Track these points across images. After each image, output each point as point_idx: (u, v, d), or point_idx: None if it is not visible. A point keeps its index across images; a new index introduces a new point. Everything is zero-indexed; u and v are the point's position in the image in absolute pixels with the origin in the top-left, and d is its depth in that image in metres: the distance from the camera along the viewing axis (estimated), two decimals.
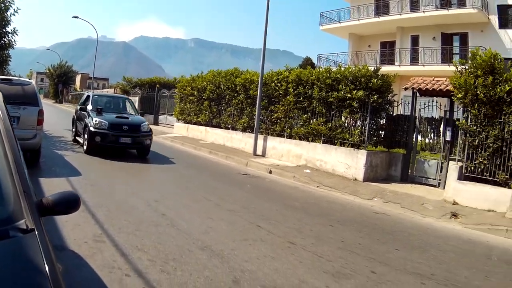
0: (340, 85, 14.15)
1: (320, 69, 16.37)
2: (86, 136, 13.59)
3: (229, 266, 5.21)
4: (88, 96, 16.05)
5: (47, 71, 75.56)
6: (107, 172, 11.08)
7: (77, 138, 15.64)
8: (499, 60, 10.76)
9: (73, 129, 16.51)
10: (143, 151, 14.30)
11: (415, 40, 29.65)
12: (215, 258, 5.42)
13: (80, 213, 5.72)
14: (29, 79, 17.95)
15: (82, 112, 14.94)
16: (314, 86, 15.05)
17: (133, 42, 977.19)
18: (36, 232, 2.01)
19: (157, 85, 32.89)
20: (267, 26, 17.81)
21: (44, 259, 1.86)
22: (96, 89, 62.09)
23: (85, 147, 13.61)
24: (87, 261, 4.79)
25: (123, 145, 13.74)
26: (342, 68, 15.03)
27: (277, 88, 16.69)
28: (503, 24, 25.98)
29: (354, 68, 14.36)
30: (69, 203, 2.36)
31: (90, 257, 4.94)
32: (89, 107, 14.64)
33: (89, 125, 13.41)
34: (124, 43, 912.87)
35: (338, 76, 14.36)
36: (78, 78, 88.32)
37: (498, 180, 10.34)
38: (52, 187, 8.08)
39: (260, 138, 17.25)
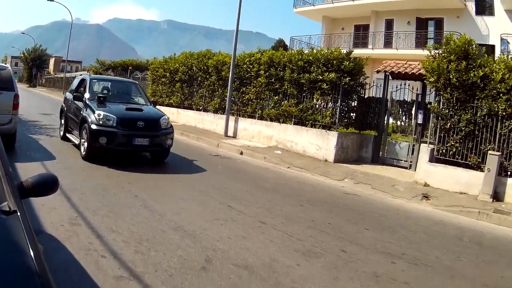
0: (312, 67, 14.08)
1: (293, 51, 16.38)
2: (85, 135, 9.98)
3: (201, 245, 5.23)
4: (83, 80, 12.42)
5: (22, 56, 75.38)
6: (80, 155, 10.71)
7: (67, 135, 11.94)
8: (473, 46, 10.83)
9: (62, 122, 12.81)
10: (162, 155, 10.94)
11: (389, 24, 29.64)
12: (188, 238, 5.44)
13: (55, 196, 5.68)
14: (4, 64, 17.59)
15: (77, 102, 11.33)
16: (286, 68, 14.97)
17: (107, 24, 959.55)
18: (19, 214, 2.07)
19: (130, 67, 32.64)
20: (240, 8, 17.63)
21: (27, 240, 1.91)
22: (69, 72, 61.04)
23: (83, 151, 10.09)
24: (64, 244, 4.82)
25: (138, 148, 10.37)
26: (315, 51, 14.97)
27: (249, 69, 16.55)
28: (480, 11, 26.14)
29: (326, 51, 14.34)
30: (48, 185, 2.49)
31: (66, 240, 4.96)
32: (87, 95, 11.04)
33: (89, 120, 9.87)
34: (98, 25, 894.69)
35: (310, 58, 14.32)
36: (51, 62, 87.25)
37: (470, 163, 10.45)
38: (28, 171, 7.81)
39: (232, 119, 17.20)
